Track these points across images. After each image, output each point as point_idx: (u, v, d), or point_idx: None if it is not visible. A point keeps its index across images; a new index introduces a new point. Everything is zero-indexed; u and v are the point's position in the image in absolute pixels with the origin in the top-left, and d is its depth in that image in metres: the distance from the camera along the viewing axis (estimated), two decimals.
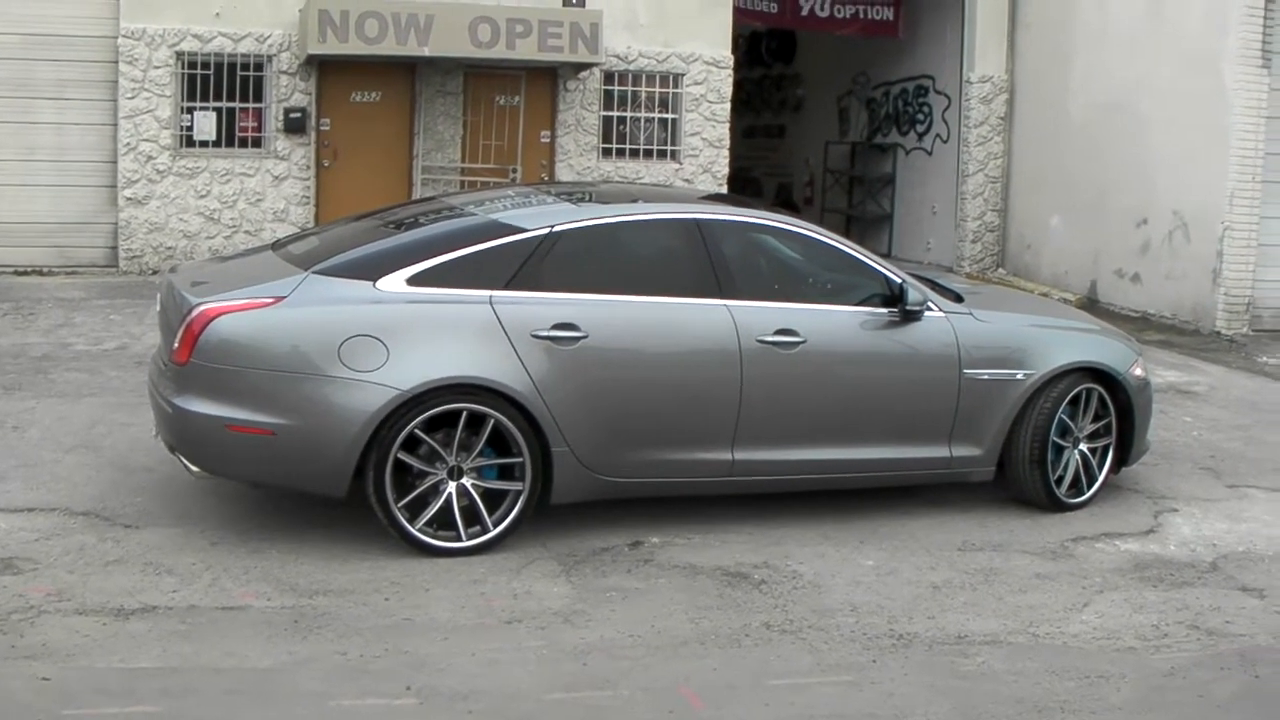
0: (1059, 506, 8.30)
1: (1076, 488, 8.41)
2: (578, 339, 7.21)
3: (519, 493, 7.17)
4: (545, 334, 7.15)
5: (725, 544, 7.50)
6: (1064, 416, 8.26)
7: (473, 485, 7.11)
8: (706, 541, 7.54)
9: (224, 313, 6.86)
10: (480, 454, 7.09)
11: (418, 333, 6.98)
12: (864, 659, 6.13)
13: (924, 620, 6.60)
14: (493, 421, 7.03)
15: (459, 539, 7.08)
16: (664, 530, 7.65)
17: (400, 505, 6.98)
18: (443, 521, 7.08)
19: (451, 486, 7.08)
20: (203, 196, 16.70)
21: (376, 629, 6.15)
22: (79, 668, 5.62)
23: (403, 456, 6.94)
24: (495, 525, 7.14)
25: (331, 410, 6.83)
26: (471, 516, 7.11)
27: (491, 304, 7.11)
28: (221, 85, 16.72)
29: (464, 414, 6.98)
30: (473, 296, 7.12)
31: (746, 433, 7.55)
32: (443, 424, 7.01)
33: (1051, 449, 8.22)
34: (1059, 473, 8.30)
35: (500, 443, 7.13)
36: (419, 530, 7.03)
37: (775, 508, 8.02)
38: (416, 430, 6.93)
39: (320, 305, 6.95)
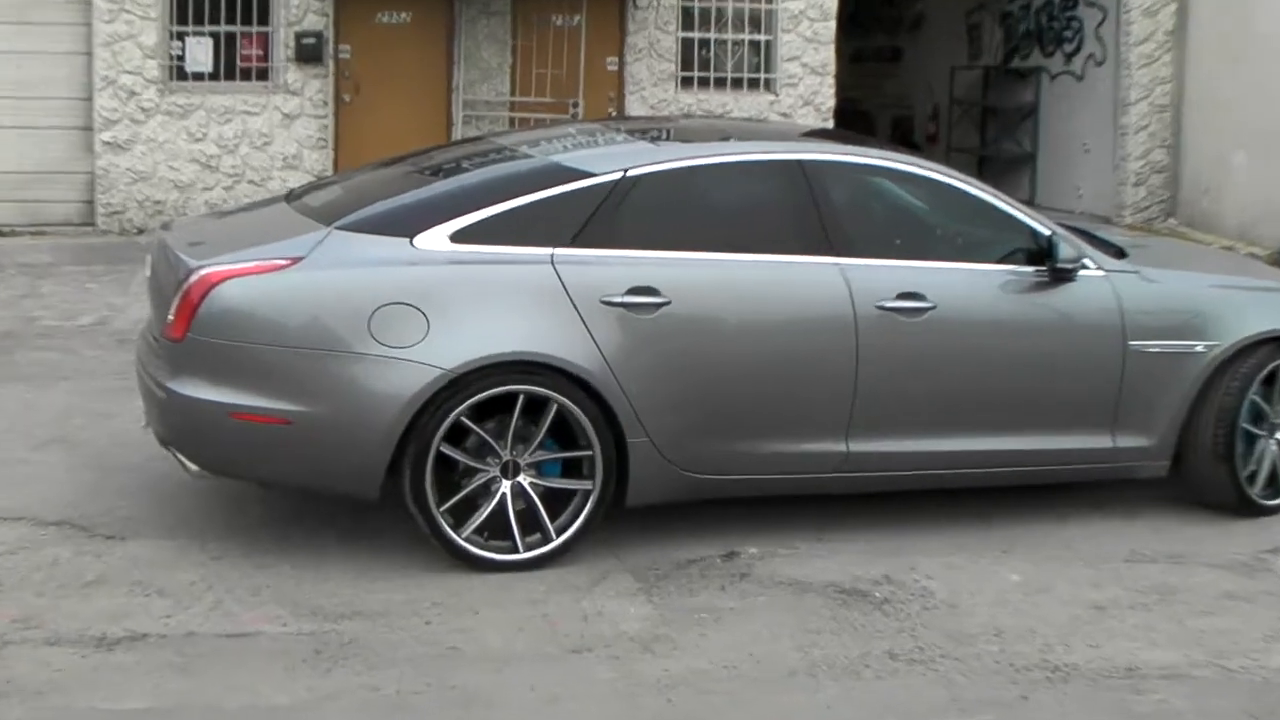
0: (1252, 509, 8.23)
1: (1274, 487, 8.31)
2: (658, 306, 7.22)
3: (588, 493, 7.17)
4: (619, 300, 7.16)
5: (838, 554, 7.48)
6: (1257, 398, 8.17)
7: (531, 484, 7.11)
8: (815, 551, 7.52)
9: (228, 277, 6.89)
10: (541, 446, 7.09)
11: (464, 300, 7.02)
12: (1011, 695, 6.06)
13: (1085, 649, 6.53)
14: (556, 407, 7.04)
15: (515, 549, 7.09)
16: (764, 538, 7.62)
17: (444, 509, 6.99)
18: (495, 528, 7.08)
19: (506, 486, 7.08)
20: (198, 140, 16.82)
21: (416, 659, 6.13)
22: (53, 708, 5.59)
23: (446, 450, 6.96)
24: (559, 533, 7.13)
25: (360, 394, 6.87)
26: (530, 522, 7.10)
27: (553, 264, 7.13)
28: (219, 6, 16.81)
29: (520, 398, 7.00)
30: (530, 255, 7.15)
31: (863, 419, 7.53)
32: (495, 410, 7.02)
33: (1242, 438, 8.12)
34: (1251, 468, 8.20)
35: (565, 433, 7.13)
36: (466, 539, 7.03)
37: (898, 510, 7.99)
38: (463, 418, 6.94)
39: (345, 268, 6.99)
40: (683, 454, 7.31)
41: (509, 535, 7.09)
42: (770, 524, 7.78)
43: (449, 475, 7.05)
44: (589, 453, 7.14)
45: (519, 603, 6.77)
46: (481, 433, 7.01)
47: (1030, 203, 18.36)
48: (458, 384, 6.90)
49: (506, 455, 7.07)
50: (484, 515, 7.06)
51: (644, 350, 7.18)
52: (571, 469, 7.20)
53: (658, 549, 7.45)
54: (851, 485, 7.78)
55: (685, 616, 6.72)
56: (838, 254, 7.57)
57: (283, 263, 6.95)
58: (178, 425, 7.10)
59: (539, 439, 7.09)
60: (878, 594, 7.05)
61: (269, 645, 6.22)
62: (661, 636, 6.49)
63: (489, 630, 6.48)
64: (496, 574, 7.04)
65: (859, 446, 7.59)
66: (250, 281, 6.92)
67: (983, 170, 21.75)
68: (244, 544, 7.29)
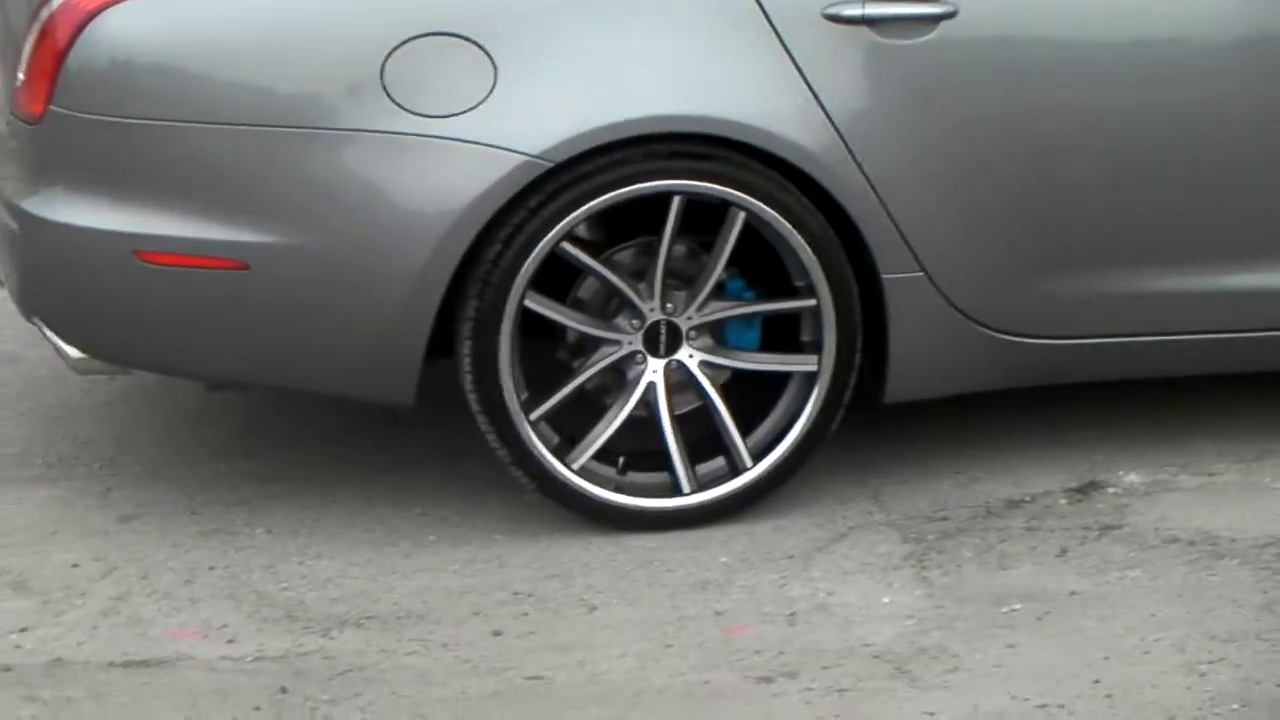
0: None
1: None
2: (934, 20, 5.86)
3: (810, 379, 5.91)
4: (856, 12, 5.82)
5: None
6: None
7: (703, 366, 5.91)
8: (1251, 479, 6.24)
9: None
10: (720, 294, 5.93)
11: (560, 24, 5.84)
12: None
13: None
14: (744, 218, 5.78)
15: (676, 489, 5.90)
16: (1149, 458, 6.44)
17: (536, 415, 5.83)
18: (636, 450, 5.95)
19: (655, 370, 5.88)
20: None
21: (468, 704, 4.99)
22: None
23: (537, 306, 5.80)
24: (758, 456, 5.92)
25: (372, 208, 5.80)
26: (705, 439, 5.99)
27: None
28: None
29: (676, 204, 5.76)
30: None
31: None
32: (630, 230, 5.95)
33: None
34: None
35: (766, 268, 5.97)
36: (580, 471, 5.87)
37: None
38: (568, 246, 5.78)
39: None
40: (993, 301, 6.07)
41: (665, 464, 5.93)
42: (1162, 434, 6.61)
43: (546, 353, 5.99)
44: (810, 303, 5.86)
45: (674, 590, 5.59)
46: (605, 273, 5.86)
47: None
48: (555, 180, 5.68)
49: (655, 313, 5.85)
50: (615, 426, 5.87)
51: (910, 108, 5.89)
52: (780, 334, 5.99)
53: (946, 482, 6.28)
54: None
55: (986, 610, 5.45)
56: None
57: None
58: (47, 279, 6.03)
59: (714, 278, 5.85)
60: None
61: (198, 682, 5.10)
62: (932, 650, 5.18)
63: (611, 645, 5.30)
64: (638, 535, 5.89)
65: None
66: (159, 5, 5.79)
67: None
68: (171, 491, 6.32)
